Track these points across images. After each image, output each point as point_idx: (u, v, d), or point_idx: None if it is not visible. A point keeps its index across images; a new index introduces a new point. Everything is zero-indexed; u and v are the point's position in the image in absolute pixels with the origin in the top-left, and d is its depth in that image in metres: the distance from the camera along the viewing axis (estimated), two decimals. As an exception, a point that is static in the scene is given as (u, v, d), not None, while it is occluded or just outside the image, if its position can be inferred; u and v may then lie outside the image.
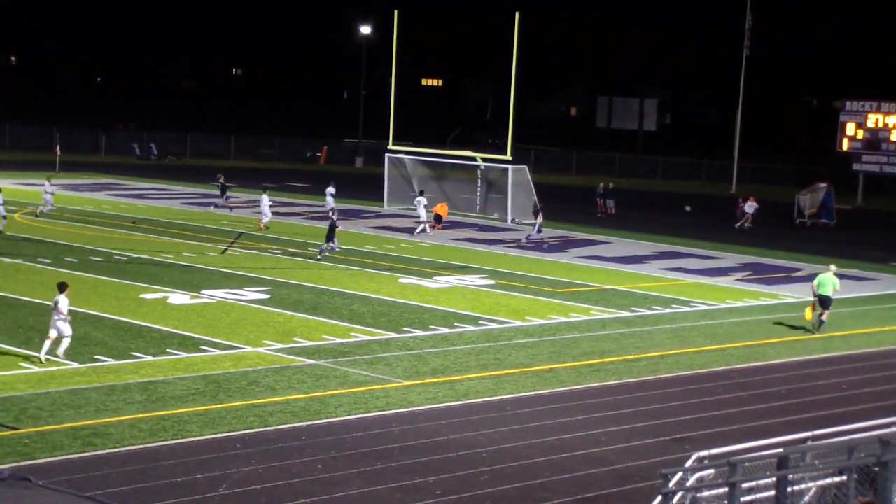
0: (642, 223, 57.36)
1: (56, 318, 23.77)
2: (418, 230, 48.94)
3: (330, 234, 40.57)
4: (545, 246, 38.49)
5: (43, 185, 50.01)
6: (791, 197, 65.77)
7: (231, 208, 53.83)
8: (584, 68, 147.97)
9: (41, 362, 23.48)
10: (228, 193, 55.14)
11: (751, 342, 30.15)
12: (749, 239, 53.41)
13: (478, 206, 57.54)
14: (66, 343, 23.90)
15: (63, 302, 23.83)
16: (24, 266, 35.45)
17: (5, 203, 43.00)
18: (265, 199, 48.06)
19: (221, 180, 55.32)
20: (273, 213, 49.80)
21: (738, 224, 58.46)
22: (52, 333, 23.75)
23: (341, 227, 43.81)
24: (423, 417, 21.55)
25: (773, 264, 45.46)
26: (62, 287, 24.24)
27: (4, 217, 42.91)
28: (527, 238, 38.82)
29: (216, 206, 54.29)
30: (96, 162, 79.34)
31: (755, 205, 59.55)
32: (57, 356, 23.78)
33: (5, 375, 22.68)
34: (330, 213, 40.90)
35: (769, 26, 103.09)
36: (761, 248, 49.72)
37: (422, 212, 50.55)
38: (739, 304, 35.94)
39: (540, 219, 46.86)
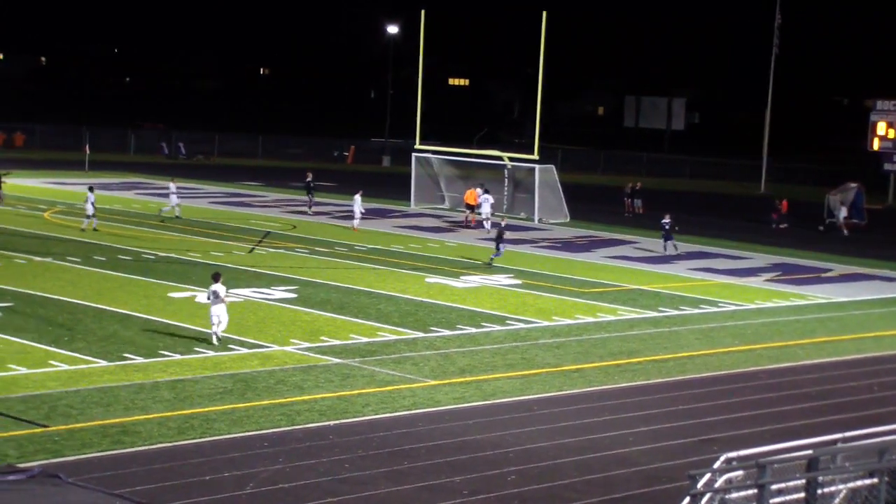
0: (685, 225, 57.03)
1: (216, 304, 25.80)
2: (488, 227, 49.75)
3: (498, 242, 40.22)
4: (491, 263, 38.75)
5: (168, 186, 50.47)
6: (821, 197, 65.40)
7: (310, 209, 53.30)
8: (611, 68, 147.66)
9: (215, 343, 25.72)
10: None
11: (780, 343, 29.99)
12: (778, 239, 53.14)
13: (505, 206, 57.45)
14: (223, 326, 25.99)
15: (222, 290, 26.03)
16: (54, 265, 35.63)
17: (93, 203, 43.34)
18: (358, 200, 47.79)
19: (309, 179, 54.46)
20: (298, 213, 49.84)
21: (775, 226, 58.17)
22: (215, 320, 25.90)
23: (372, 227, 43.91)
24: (450, 417, 21.52)
25: (803, 265, 45.20)
26: (217, 277, 26.36)
27: (94, 216, 43.19)
28: (490, 260, 38.57)
29: (310, 206, 53.59)
30: (125, 161, 79.71)
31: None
32: (219, 339, 25.91)
33: (35, 373, 22.81)
34: (501, 223, 40.98)
35: (798, 25, 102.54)
36: (791, 249, 49.46)
37: (487, 209, 50.95)
38: (768, 304, 35.75)
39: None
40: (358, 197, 47.98)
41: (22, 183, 61.12)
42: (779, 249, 49.18)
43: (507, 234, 40.18)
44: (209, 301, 26.26)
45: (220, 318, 25.99)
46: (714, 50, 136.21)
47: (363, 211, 48.45)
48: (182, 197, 52.32)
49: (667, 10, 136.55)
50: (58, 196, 55.70)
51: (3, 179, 51.06)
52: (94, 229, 43.05)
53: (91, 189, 44.37)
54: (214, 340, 26.02)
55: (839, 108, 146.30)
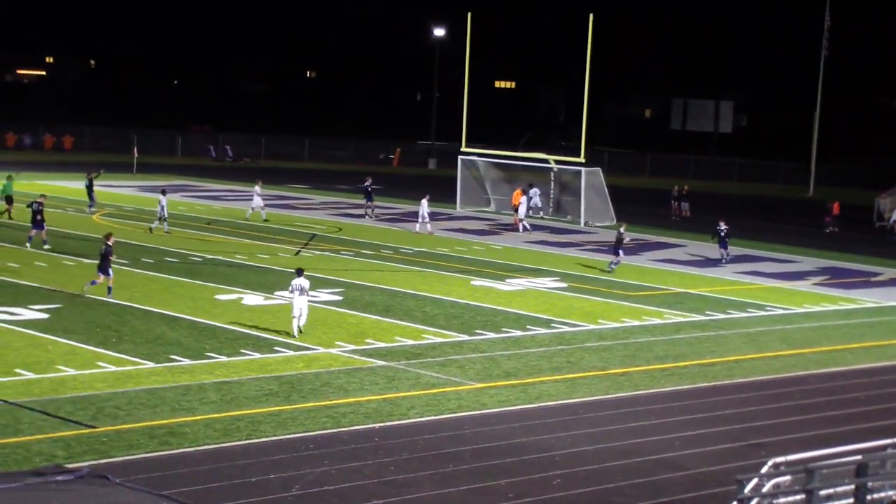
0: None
1: (300, 297, 27.11)
2: (522, 228, 50.09)
3: (617, 248, 40.24)
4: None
5: (254, 189, 51.11)
6: (871, 200, 64.77)
7: (366, 213, 53.22)
8: (658, 70, 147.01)
9: (295, 335, 27.02)
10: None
11: (828, 347, 29.71)
12: (827, 243, 52.65)
13: (551, 209, 57.33)
14: (304, 320, 27.38)
15: (306, 284, 27.44)
16: (102, 266, 35.85)
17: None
18: (425, 205, 47.84)
19: (368, 183, 54.08)
20: (344, 216, 49.97)
21: (828, 229, 57.71)
22: (297, 312, 27.17)
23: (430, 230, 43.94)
24: (496, 420, 21.48)
25: (852, 268, 44.77)
26: (300, 272, 27.63)
27: (165, 220, 43.85)
28: (610, 267, 38.93)
29: (371, 211, 53.49)
30: (172, 164, 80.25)
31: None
32: (300, 331, 27.16)
33: (83, 374, 22.99)
34: (620, 230, 41.16)
35: (848, 27, 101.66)
36: (839, 252, 48.99)
37: (523, 210, 51.25)
38: (817, 308, 35.43)
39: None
40: (424, 201, 48.01)
41: (71, 186, 61.70)
42: (827, 253, 48.73)
43: (556, 238, 40.17)
44: (292, 294, 27.32)
45: (302, 311, 27.32)
46: (762, 52, 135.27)
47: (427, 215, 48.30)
48: (229, 200, 52.63)
49: (715, 12, 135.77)
50: (106, 199, 56.12)
51: (93, 182, 51.46)
52: (166, 232, 43.33)
53: (164, 192, 44.80)
54: (295, 332, 27.19)
55: (889, 111, 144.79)
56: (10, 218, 45.60)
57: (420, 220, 48.02)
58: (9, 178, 47.78)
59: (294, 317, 27.28)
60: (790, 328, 32.11)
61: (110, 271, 30.96)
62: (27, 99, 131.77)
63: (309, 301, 27.57)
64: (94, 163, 77.41)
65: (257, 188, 50.55)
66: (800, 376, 26.47)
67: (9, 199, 46.23)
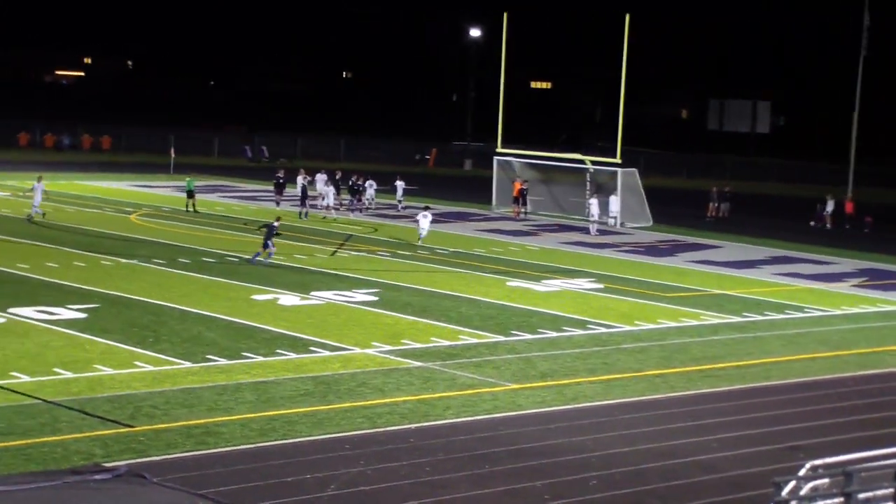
0: (755, 227, 56.50)
1: (424, 219, 40.13)
2: (594, 230, 50.45)
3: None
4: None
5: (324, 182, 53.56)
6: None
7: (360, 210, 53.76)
8: (695, 70, 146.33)
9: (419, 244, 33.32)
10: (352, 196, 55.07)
11: (867, 349, 29.48)
12: (866, 244, 52.26)
13: (586, 210, 57.17)
14: (425, 234, 38.97)
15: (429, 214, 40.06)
16: (139, 266, 36.13)
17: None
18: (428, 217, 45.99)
19: (355, 179, 55.01)
20: (380, 216, 50.06)
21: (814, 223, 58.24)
22: (423, 233, 37.40)
23: (453, 231, 43.99)
24: (532, 421, 21.44)
25: (891, 270, 44.41)
26: (427, 207, 36.63)
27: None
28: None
29: (358, 208, 54.12)
30: (209, 164, 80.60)
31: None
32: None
33: (121, 374, 23.13)
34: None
35: (887, 26, 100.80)
36: (879, 254, 48.62)
37: (595, 211, 51.54)
38: (855, 310, 35.18)
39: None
40: (428, 214, 47.45)
41: (108, 186, 62.13)
42: (866, 254, 48.37)
43: (591, 239, 40.22)
44: (421, 217, 41.09)
45: (425, 230, 40.38)
46: (800, 52, 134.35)
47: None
48: (265, 201, 52.79)
49: (752, 11, 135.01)
50: (144, 199, 56.49)
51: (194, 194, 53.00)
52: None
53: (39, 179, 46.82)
54: (419, 242, 39.42)
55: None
56: (195, 210, 50.64)
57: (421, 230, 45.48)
58: (189, 176, 53.61)
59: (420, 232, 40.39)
60: (828, 330, 31.89)
61: (270, 244, 37.13)
62: (66, 99, 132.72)
63: (344, 302, 27.59)
64: (132, 163, 77.98)
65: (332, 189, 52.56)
66: (838, 378, 26.28)
67: (190, 193, 51.43)
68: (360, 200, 54.77)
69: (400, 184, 56.58)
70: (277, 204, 54.16)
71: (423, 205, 47.83)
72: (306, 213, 51.08)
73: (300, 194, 52.38)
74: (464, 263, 39.93)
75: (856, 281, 41.16)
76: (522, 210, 56.43)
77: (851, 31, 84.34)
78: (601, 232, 51.22)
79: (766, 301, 35.60)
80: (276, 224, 38.43)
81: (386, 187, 57.49)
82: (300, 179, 53.27)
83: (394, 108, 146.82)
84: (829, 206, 59.97)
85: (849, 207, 60.23)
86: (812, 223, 60.20)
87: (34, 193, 46.38)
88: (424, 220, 44.47)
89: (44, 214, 46.28)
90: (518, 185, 57.08)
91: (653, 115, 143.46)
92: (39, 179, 47.39)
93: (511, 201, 57.40)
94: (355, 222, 50.81)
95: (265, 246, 37.61)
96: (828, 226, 58.96)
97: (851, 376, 26.53)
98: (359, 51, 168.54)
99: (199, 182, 63.83)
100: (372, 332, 28.20)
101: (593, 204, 51.87)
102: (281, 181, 55.04)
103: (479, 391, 23.32)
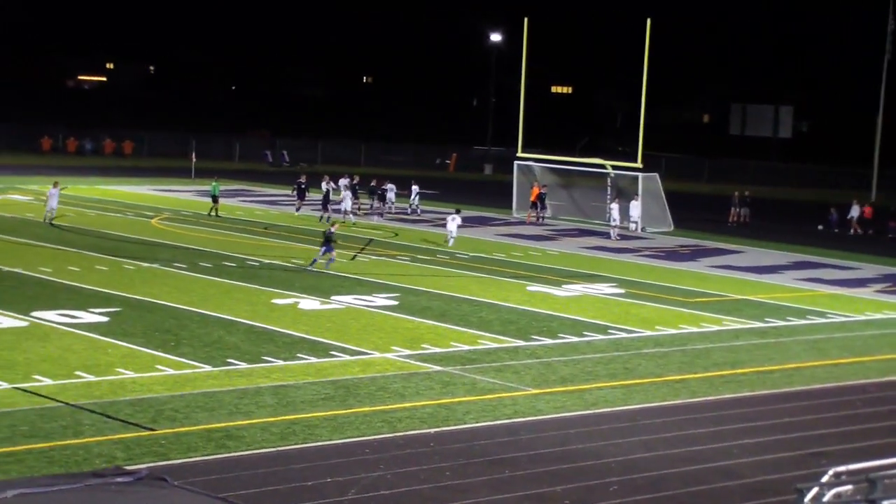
0: (777, 232, 56.32)
1: (453, 223, 42.58)
2: (615, 234, 50.55)
3: None
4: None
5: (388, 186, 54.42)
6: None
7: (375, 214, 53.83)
8: (717, 75, 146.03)
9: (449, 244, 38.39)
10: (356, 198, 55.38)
11: (890, 355, 29.30)
12: (889, 249, 52.00)
13: (607, 215, 57.06)
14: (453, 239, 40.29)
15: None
16: (161, 271, 36.23)
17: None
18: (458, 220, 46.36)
19: (302, 180, 55.46)
20: (400, 220, 50.00)
21: (892, 235, 57.66)
22: (450, 239, 41.44)
23: (474, 235, 44.02)
24: (552, 426, 21.39)
25: (914, 275, 44.19)
26: (458, 210, 37.40)
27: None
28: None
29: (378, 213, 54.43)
30: (230, 169, 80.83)
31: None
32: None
33: (143, 377, 23.18)
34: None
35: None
36: (901, 259, 48.38)
37: (616, 216, 51.53)
38: (878, 315, 34.99)
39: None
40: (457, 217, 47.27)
41: (130, 190, 62.36)
42: (889, 260, 48.13)
43: (612, 244, 40.25)
44: (450, 220, 43.19)
45: (454, 233, 42.53)
46: (822, 57, 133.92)
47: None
48: (286, 205, 52.82)
49: (774, 16, 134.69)
50: (165, 203, 56.68)
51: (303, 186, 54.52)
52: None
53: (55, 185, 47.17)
54: (449, 242, 42.17)
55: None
56: (217, 215, 51.07)
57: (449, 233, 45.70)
58: (215, 180, 54.18)
59: (449, 236, 42.99)
60: (851, 336, 31.73)
61: (332, 249, 37.40)
62: (88, 104, 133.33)
63: (364, 307, 27.60)
64: (153, 168, 78.28)
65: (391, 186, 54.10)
66: (861, 384, 26.14)
67: (214, 199, 51.95)
68: (381, 205, 54.86)
69: (415, 188, 56.64)
70: (298, 209, 54.26)
71: (453, 209, 47.86)
72: (328, 218, 51.14)
73: (322, 199, 52.47)
74: (484, 268, 39.90)
75: (879, 286, 40.94)
76: (541, 215, 56.31)
77: (875, 36, 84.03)
78: (622, 237, 51.11)
79: (788, 306, 35.45)
80: (333, 230, 38.41)
81: (405, 192, 57.53)
82: (324, 185, 53.37)
83: (414, 112, 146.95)
84: (855, 212, 59.59)
85: (867, 212, 59.94)
86: (820, 227, 60.01)
87: (49, 199, 46.54)
88: (453, 223, 44.77)
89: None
90: (536, 190, 56.99)
91: (674, 120, 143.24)
92: (55, 185, 47.51)
93: (529, 206, 57.32)
94: (376, 226, 50.83)
95: (327, 251, 37.53)
96: (858, 231, 58.52)
97: (874, 382, 26.39)
98: (380, 56, 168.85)
99: (221, 186, 64.02)
100: (392, 336, 28.20)
101: (614, 209, 51.76)
102: (303, 186, 55.13)
103: (499, 396, 23.28)
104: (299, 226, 49.83)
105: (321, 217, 51.32)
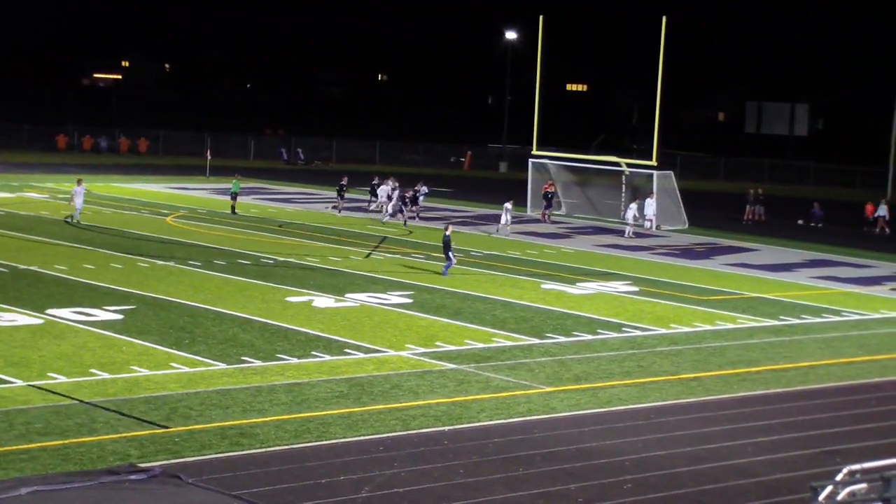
0: (792, 230, 56.17)
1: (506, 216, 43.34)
2: (630, 232, 50.60)
3: None
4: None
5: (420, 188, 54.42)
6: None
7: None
8: (732, 73, 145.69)
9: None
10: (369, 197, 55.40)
11: (905, 353, 29.20)
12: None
13: (622, 213, 57.00)
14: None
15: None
16: (176, 268, 36.31)
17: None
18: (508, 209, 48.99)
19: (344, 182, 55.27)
20: (419, 218, 50.01)
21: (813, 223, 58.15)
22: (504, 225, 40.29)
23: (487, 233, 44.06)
24: (566, 424, 21.38)
25: (930, 273, 44.04)
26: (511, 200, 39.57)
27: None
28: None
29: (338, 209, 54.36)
30: (245, 167, 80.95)
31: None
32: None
33: (157, 375, 23.23)
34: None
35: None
36: (917, 257, 48.21)
37: (630, 215, 51.88)
38: (894, 314, 34.86)
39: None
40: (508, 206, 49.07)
41: (145, 188, 62.51)
42: (905, 258, 48.00)
43: (626, 241, 40.32)
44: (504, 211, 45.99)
45: (506, 223, 46.29)
46: (838, 55, 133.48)
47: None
48: (301, 203, 52.88)
49: (789, 14, 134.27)
50: (180, 201, 56.81)
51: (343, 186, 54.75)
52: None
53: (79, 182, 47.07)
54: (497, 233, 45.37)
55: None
56: (235, 213, 51.26)
57: (504, 222, 48.86)
58: (236, 178, 54.49)
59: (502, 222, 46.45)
60: (866, 334, 31.63)
61: (451, 255, 36.86)
62: (104, 102, 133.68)
63: (378, 304, 27.58)
64: (169, 166, 78.45)
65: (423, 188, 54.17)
66: (876, 383, 26.06)
67: (234, 196, 52.35)
68: (415, 207, 54.36)
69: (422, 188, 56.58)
70: (339, 210, 53.95)
71: (506, 200, 49.58)
72: (407, 220, 50.78)
73: (399, 202, 52.36)
74: (498, 266, 39.89)
75: (894, 284, 40.79)
76: (546, 213, 55.91)
77: (892, 34, 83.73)
78: (637, 235, 51.02)
79: (802, 304, 35.36)
80: (448, 234, 37.76)
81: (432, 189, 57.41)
82: (387, 188, 53.45)
83: (429, 110, 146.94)
84: (882, 211, 59.24)
85: (869, 211, 59.62)
86: (800, 221, 59.81)
87: (75, 197, 46.28)
88: (506, 214, 48.46)
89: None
90: (545, 188, 56.89)
91: (690, 118, 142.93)
92: (79, 182, 47.46)
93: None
94: (390, 224, 50.83)
95: (448, 258, 37.42)
96: (886, 231, 58.16)
97: (890, 381, 26.30)
98: (395, 54, 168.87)
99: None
100: (406, 334, 28.21)
101: (633, 207, 51.85)
102: (343, 187, 54.90)
103: (513, 394, 23.28)
104: (314, 223, 49.87)
105: (404, 221, 51.14)
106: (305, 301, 31.75)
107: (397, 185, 54.16)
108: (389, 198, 52.89)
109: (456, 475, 18.16)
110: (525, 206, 59.03)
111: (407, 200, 52.41)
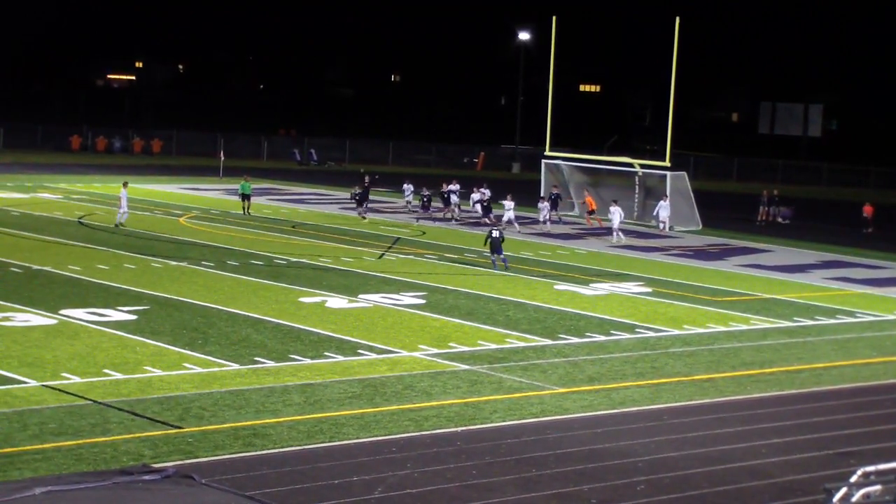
0: (806, 231, 56.03)
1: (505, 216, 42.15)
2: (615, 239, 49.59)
3: None
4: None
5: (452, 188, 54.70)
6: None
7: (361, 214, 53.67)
8: (746, 74, 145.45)
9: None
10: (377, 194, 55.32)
11: (920, 355, 29.10)
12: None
13: (635, 213, 56.91)
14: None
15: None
16: (189, 269, 36.36)
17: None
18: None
19: (367, 182, 55.23)
20: (427, 219, 49.96)
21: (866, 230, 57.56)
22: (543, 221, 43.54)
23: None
24: (579, 425, 21.35)
25: (944, 274, 43.86)
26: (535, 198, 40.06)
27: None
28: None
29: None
30: (258, 167, 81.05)
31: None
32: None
33: (171, 375, 23.27)
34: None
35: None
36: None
37: (664, 215, 52.05)
38: (908, 315, 34.75)
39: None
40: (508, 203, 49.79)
41: (158, 189, 62.62)
42: (919, 259, 47.81)
43: (641, 242, 40.16)
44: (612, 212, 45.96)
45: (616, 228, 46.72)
46: (852, 56, 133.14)
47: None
48: (314, 203, 52.81)
49: (803, 15, 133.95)
50: (193, 202, 56.89)
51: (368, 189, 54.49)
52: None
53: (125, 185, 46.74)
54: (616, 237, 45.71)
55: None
56: (248, 213, 51.30)
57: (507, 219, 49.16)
58: (245, 179, 53.56)
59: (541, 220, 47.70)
60: (881, 335, 31.53)
61: (501, 251, 38.55)
62: (117, 103, 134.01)
63: (391, 305, 27.60)
64: (182, 167, 78.54)
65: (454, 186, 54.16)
66: (890, 384, 25.97)
67: (245, 197, 52.08)
68: (447, 208, 54.22)
69: (408, 186, 56.85)
70: (363, 217, 53.05)
71: (613, 202, 50.27)
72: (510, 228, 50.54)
73: (483, 209, 52.50)
74: (511, 267, 39.85)
75: (908, 286, 40.66)
76: (547, 217, 54.67)
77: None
78: (652, 236, 50.89)
79: (816, 305, 35.26)
80: (495, 235, 38.85)
81: (465, 190, 57.30)
82: (476, 195, 53.94)
83: (442, 111, 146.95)
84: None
85: (867, 211, 59.32)
86: (759, 220, 59.41)
87: (121, 201, 45.58)
88: (615, 216, 48.47)
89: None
90: (550, 190, 56.38)
91: (703, 119, 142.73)
92: (125, 185, 46.92)
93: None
94: (402, 225, 50.85)
95: (499, 255, 38.54)
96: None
97: (904, 382, 26.20)
98: (408, 54, 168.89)
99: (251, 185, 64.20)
100: (419, 335, 28.21)
101: (663, 205, 52.09)
102: (367, 189, 54.79)
103: (526, 395, 23.26)
104: (327, 224, 49.90)
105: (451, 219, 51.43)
106: (318, 302, 31.76)
107: (458, 186, 54.79)
108: (482, 204, 52.96)
109: (469, 476, 18.15)
110: (535, 206, 58.87)
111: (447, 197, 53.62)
